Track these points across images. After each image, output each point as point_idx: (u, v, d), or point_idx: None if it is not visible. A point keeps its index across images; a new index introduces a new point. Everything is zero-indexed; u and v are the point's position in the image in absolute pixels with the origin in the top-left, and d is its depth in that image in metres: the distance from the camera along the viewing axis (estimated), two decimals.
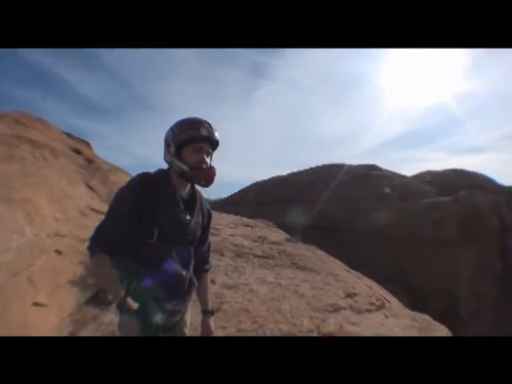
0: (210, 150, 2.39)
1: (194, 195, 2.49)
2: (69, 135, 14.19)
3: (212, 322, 2.70)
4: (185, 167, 2.28)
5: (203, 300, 2.77)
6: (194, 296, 2.59)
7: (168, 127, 2.38)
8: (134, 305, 1.99)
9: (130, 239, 2.18)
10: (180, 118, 2.37)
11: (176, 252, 2.32)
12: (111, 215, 2.19)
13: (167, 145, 2.35)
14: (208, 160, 2.36)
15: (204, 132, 2.27)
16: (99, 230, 2.18)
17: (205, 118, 2.35)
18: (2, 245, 4.82)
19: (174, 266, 2.28)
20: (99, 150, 15.18)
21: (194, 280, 2.50)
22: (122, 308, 2.02)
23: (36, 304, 4.67)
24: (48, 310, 4.78)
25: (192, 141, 2.27)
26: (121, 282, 2.09)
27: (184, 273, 2.35)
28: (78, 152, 11.58)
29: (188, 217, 2.39)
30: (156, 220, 2.22)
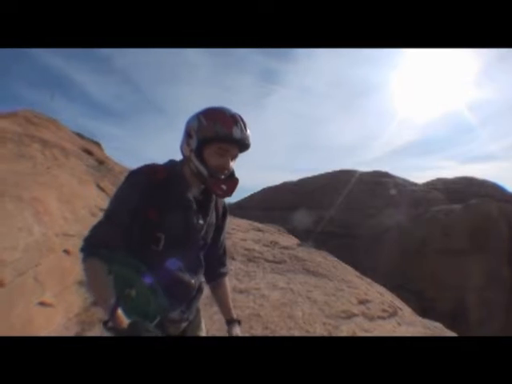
0: (238, 153, 2.03)
1: (208, 193, 2.11)
2: (80, 136, 14.24)
3: (239, 331, 2.35)
4: (203, 170, 1.93)
5: (225, 308, 2.42)
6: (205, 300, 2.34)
7: (181, 125, 2.01)
8: (124, 322, 1.55)
9: (131, 245, 1.87)
10: (210, 106, 1.98)
11: (184, 258, 2.01)
12: (110, 215, 1.86)
13: (188, 135, 1.97)
14: (233, 164, 2.02)
15: (237, 134, 1.89)
16: (95, 231, 1.84)
17: (237, 113, 1.94)
18: (9, 243, 4.75)
19: (180, 273, 2.00)
20: (110, 152, 15.27)
21: (203, 286, 2.24)
22: (106, 326, 1.55)
23: (42, 304, 4.61)
24: (54, 310, 4.72)
25: (219, 140, 1.90)
26: (115, 292, 1.66)
27: (193, 281, 2.08)
28: (89, 152, 11.61)
29: (201, 221, 2.07)
30: (164, 225, 1.91)
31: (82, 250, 1.80)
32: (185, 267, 2.02)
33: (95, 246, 1.79)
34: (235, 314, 2.42)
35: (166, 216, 1.90)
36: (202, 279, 2.25)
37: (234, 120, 1.90)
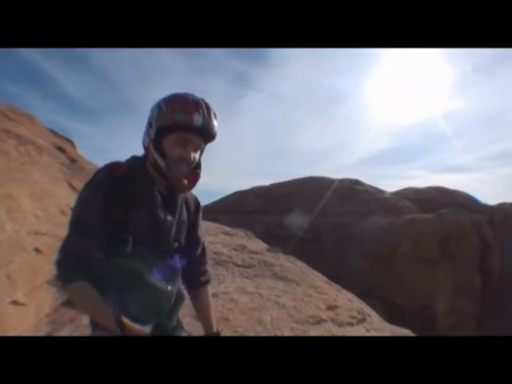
0: (202, 144, 1.87)
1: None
2: (54, 133, 14.09)
3: None
4: (161, 162, 1.78)
5: (205, 320, 2.18)
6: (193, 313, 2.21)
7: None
8: (140, 329, 1.57)
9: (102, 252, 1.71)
10: (174, 92, 1.83)
11: (157, 263, 1.81)
12: (80, 226, 1.69)
13: (149, 124, 1.83)
14: (196, 156, 1.86)
15: (198, 121, 1.71)
16: (67, 250, 1.67)
17: (202, 97, 1.79)
18: None
19: (154, 281, 1.77)
20: (82, 151, 15.00)
21: (184, 292, 2.06)
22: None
23: (14, 302, 4.58)
24: (26, 310, 4.68)
25: (178, 129, 1.74)
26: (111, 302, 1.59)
27: (169, 288, 1.84)
28: (62, 150, 11.49)
29: (169, 217, 1.90)
30: (130, 224, 1.75)
31: (60, 276, 1.67)
32: (158, 272, 1.81)
33: (73, 267, 1.64)
34: (216, 327, 2.18)
35: (131, 214, 1.77)
36: (181, 285, 2.06)
37: (195, 106, 1.73)
